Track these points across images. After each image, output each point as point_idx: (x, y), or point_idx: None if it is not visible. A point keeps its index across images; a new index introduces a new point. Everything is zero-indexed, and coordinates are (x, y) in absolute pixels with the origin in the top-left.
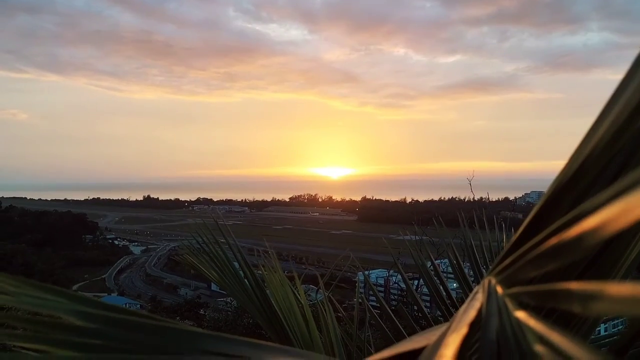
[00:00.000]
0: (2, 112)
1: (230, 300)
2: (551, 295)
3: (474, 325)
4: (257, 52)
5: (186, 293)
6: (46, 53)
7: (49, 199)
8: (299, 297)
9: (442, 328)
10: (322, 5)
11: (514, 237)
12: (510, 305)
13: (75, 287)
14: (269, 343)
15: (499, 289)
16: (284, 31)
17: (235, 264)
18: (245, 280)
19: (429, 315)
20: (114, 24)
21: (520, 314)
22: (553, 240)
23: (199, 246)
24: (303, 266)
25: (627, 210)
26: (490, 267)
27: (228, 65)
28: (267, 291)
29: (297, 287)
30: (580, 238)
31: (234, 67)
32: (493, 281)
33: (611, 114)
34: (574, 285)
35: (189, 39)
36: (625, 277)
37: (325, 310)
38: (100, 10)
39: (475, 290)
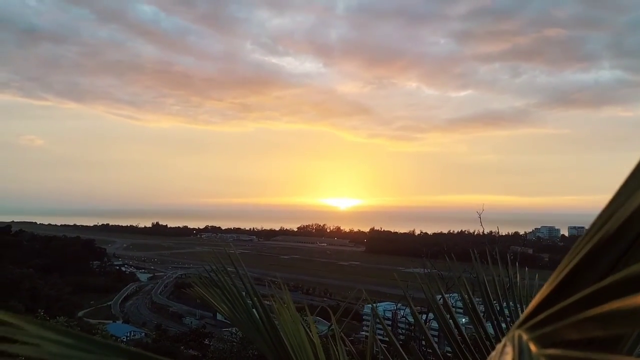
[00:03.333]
0: (20, 138)
1: (236, 330)
2: None
3: None
4: (272, 84)
5: (191, 322)
6: (67, 81)
7: (59, 224)
8: (310, 334)
9: None
10: (337, 41)
11: (547, 290)
12: None
13: (80, 313)
14: None
15: (533, 347)
16: (299, 64)
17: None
18: (255, 312)
19: (438, 351)
20: (136, 55)
21: None
22: (606, 307)
23: (208, 276)
24: (310, 297)
25: None
26: (503, 302)
27: (244, 96)
28: (276, 323)
29: (308, 322)
30: None
31: (250, 98)
32: (525, 337)
33: None
34: None
35: (207, 70)
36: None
37: (337, 347)
38: (123, 41)
39: (502, 343)
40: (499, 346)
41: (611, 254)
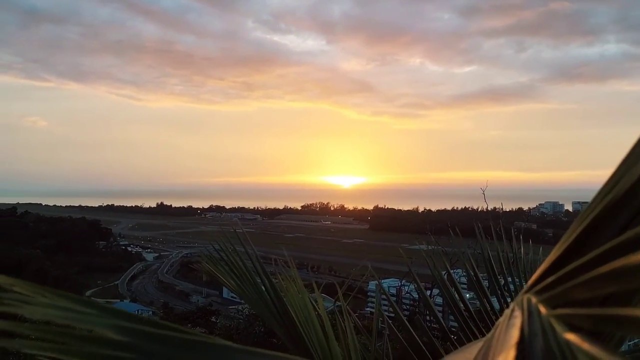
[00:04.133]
0: (23, 120)
1: (242, 308)
2: (611, 321)
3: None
4: (274, 62)
5: (198, 300)
6: (69, 62)
7: (64, 205)
8: (317, 307)
9: (474, 346)
10: (340, 17)
11: (554, 254)
12: (557, 326)
13: (88, 293)
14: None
15: (542, 309)
16: (302, 42)
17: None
18: (263, 288)
19: (444, 325)
20: (136, 34)
21: (572, 337)
22: (617, 264)
23: (216, 254)
24: (316, 274)
25: None
26: (507, 276)
27: (246, 75)
28: (285, 300)
29: (315, 297)
30: None
31: (252, 76)
32: (533, 300)
33: None
34: None
35: (209, 49)
36: None
37: (343, 321)
38: (124, 20)
39: (511, 308)
40: (507, 311)
41: (618, 218)
